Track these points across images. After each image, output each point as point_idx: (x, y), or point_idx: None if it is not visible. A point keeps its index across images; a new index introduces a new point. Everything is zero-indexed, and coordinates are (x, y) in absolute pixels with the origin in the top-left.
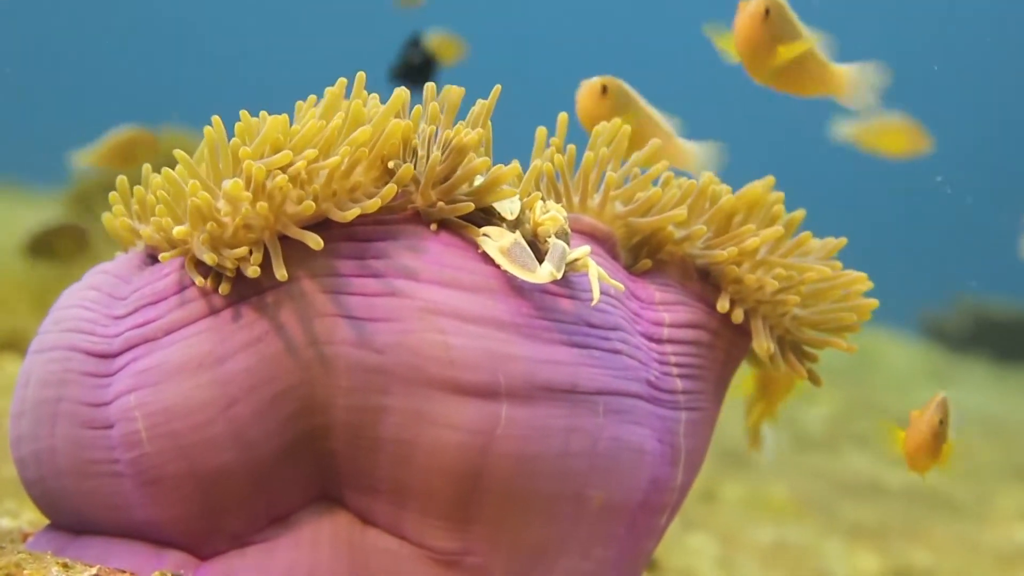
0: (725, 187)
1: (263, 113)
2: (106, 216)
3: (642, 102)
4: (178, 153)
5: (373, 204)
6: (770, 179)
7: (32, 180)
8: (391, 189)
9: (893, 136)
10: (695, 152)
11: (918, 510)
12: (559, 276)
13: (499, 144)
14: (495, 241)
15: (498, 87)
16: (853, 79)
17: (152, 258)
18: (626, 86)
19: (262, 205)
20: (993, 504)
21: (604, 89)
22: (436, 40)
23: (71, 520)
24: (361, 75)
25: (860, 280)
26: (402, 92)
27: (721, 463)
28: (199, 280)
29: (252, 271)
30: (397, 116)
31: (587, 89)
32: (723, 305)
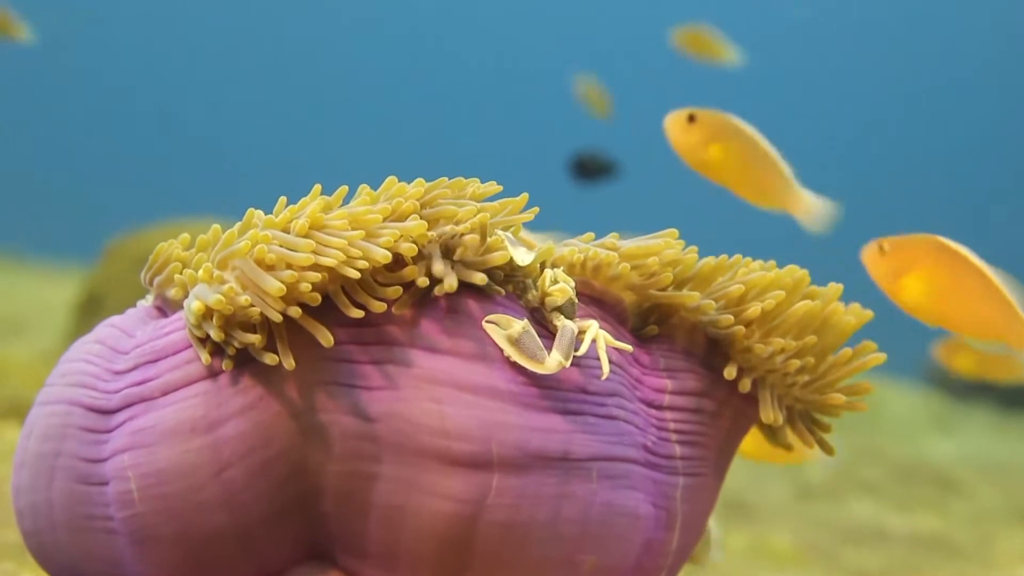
0: (754, 269)
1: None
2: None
3: (757, 138)
4: (215, 228)
5: (379, 306)
6: (793, 269)
7: (62, 256)
8: (396, 290)
9: None
10: (814, 205)
11: (921, 555)
12: (567, 365)
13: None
14: (503, 329)
15: (525, 195)
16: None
17: (160, 311)
18: (730, 118)
19: (278, 289)
20: (996, 548)
21: (691, 118)
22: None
23: (65, 573)
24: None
25: (852, 326)
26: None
27: (724, 512)
28: (205, 358)
29: (270, 358)
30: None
31: (671, 120)
32: (730, 372)
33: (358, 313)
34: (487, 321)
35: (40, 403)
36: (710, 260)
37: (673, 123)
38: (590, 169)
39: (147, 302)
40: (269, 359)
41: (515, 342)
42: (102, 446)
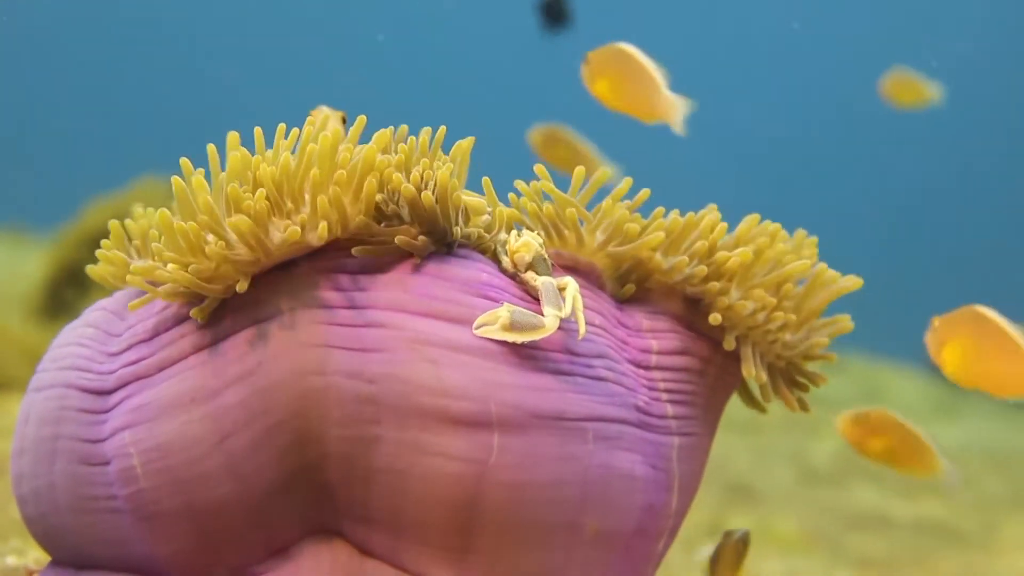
0: (719, 222)
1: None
2: (99, 253)
3: (635, 63)
4: (178, 191)
5: (317, 236)
6: (755, 217)
7: (31, 225)
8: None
9: None
10: (676, 106)
11: (926, 541)
12: (564, 314)
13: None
14: (493, 324)
15: (472, 139)
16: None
17: None
18: (616, 48)
19: (243, 219)
20: (1000, 534)
21: (586, 59)
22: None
23: (72, 556)
24: (361, 119)
25: (833, 279)
26: (386, 132)
27: (728, 496)
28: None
29: (204, 300)
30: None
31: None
32: (715, 319)
33: (322, 235)
34: (476, 328)
35: (34, 388)
36: (677, 217)
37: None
38: (555, 11)
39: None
40: (207, 302)
41: (511, 327)
42: (101, 426)
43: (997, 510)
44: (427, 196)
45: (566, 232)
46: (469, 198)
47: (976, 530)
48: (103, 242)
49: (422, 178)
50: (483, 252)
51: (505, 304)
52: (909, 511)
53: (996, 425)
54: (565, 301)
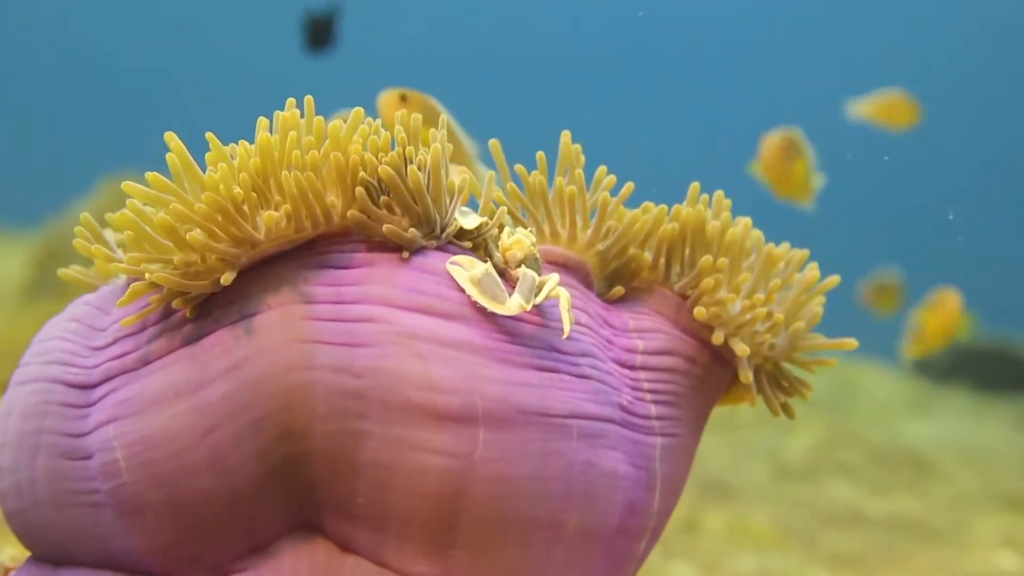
0: (703, 215)
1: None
2: (78, 243)
3: (449, 119)
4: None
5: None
6: (725, 210)
7: (10, 222)
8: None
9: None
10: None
11: (899, 538)
12: (528, 307)
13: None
14: (466, 271)
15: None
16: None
17: None
18: (432, 100)
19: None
20: (973, 531)
21: (403, 98)
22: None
23: (52, 551)
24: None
25: (814, 279)
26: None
27: (703, 493)
28: (180, 306)
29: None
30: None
31: (385, 97)
32: (700, 312)
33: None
34: (451, 263)
35: (17, 382)
36: (650, 214)
37: (386, 100)
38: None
39: (120, 280)
40: (225, 280)
41: (477, 283)
42: (84, 420)
43: (970, 506)
44: (413, 171)
45: (558, 227)
46: (458, 174)
47: (949, 526)
48: (76, 242)
49: (406, 162)
50: (475, 249)
51: (489, 263)
52: (883, 507)
53: (969, 422)
54: (539, 294)
